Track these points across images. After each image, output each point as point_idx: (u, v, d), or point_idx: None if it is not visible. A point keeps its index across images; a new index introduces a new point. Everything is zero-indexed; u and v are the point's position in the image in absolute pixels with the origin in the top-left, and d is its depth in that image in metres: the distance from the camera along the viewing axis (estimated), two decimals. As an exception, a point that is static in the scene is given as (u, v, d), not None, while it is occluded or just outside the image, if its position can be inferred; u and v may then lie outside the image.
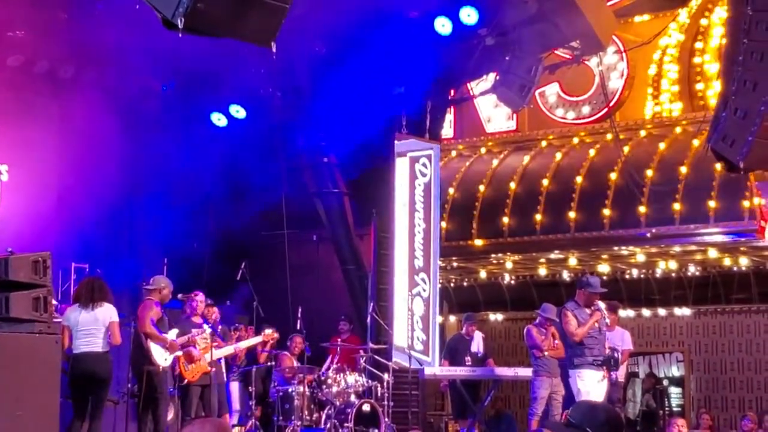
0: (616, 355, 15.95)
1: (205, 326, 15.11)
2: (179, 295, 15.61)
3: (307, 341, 17.63)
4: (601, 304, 15.28)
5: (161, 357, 14.26)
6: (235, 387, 17.29)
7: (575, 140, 21.67)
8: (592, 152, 20.81)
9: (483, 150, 22.86)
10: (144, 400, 14.25)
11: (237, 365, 17.19)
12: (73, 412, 13.31)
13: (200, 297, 15.45)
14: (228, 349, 15.74)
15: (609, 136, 20.79)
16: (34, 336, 11.23)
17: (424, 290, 19.20)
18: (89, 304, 13.18)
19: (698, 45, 21.83)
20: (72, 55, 17.19)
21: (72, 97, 16.85)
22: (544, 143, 22.03)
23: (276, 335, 16.80)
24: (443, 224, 20.75)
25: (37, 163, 16.26)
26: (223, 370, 16.35)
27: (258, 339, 16.52)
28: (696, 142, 18.50)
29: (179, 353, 14.62)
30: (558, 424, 5.52)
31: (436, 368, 18.58)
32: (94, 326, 13.09)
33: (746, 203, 18.51)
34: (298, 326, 17.55)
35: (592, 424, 5.23)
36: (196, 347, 14.89)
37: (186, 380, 14.88)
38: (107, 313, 13.29)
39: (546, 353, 16.64)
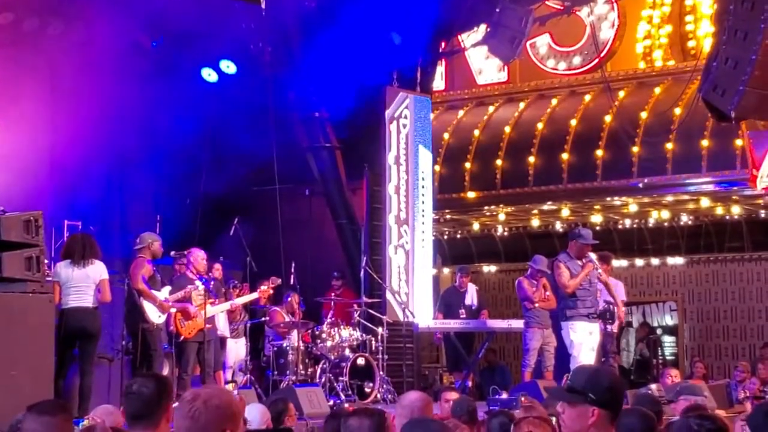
0: (612, 308, 16.03)
1: (198, 282, 15.08)
2: (172, 252, 15.59)
3: (301, 296, 17.65)
4: (593, 256, 15.32)
5: (155, 314, 14.27)
6: (229, 343, 17.30)
7: (567, 91, 21.65)
8: (584, 102, 20.80)
9: (475, 102, 22.84)
10: (139, 357, 14.27)
11: (231, 321, 17.21)
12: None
13: (201, 254, 15.40)
14: (224, 306, 15.74)
15: (592, 93, 20.79)
16: (27, 296, 11.26)
17: (407, 242, 19.28)
18: (81, 261, 13.12)
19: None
20: (61, 12, 17.08)
21: (62, 54, 16.75)
22: (535, 94, 22.01)
23: (271, 291, 16.79)
24: (436, 174, 20.75)
25: (27, 122, 16.17)
26: (219, 326, 16.38)
27: (254, 296, 16.53)
28: (679, 110, 18.48)
29: (173, 310, 14.63)
30: (560, 390, 5.49)
31: (429, 321, 18.64)
32: (84, 283, 13.04)
33: (738, 152, 18.53)
34: (292, 281, 17.55)
35: (595, 389, 5.19)
36: (193, 304, 14.89)
37: (182, 337, 14.89)
38: (98, 270, 13.24)
39: (537, 305, 16.69)
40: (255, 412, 8.43)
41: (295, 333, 16.59)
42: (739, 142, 18.50)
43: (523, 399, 12.84)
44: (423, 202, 19.65)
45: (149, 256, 14.50)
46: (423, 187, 19.69)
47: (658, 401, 8.28)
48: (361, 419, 5.48)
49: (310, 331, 16.89)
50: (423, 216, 19.64)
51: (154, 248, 14.58)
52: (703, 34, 20.77)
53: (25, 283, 11.26)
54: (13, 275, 11.20)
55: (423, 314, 18.81)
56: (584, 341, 14.88)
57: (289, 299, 17.53)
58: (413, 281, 19.20)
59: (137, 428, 4.91)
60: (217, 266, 16.69)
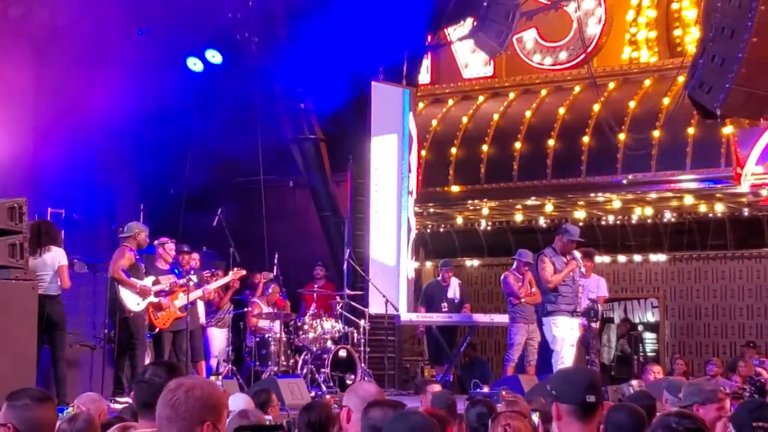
0: (596, 306, 16.07)
1: (171, 275, 15.05)
2: (155, 242, 15.57)
3: (284, 287, 17.64)
4: (577, 254, 15.34)
5: (133, 302, 14.23)
6: (214, 333, 17.30)
7: (552, 86, 21.66)
8: (569, 100, 20.82)
9: (460, 96, 22.83)
10: (121, 346, 14.25)
11: (216, 311, 17.20)
12: None
13: (170, 245, 15.39)
14: (197, 293, 15.67)
15: (578, 88, 20.81)
16: (10, 282, 11.22)
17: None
18: (36, 249, 12.94)
19: (676, -10, 21.84)
20: (47, 0, 17.03)
21: (47, 42, 16.69)
22: (520, 89, 22.02)
23: (243, 272, 16.72)
24: (419, 170, 20.77)
25: (12, 110, 16.12)
26: (200, 315, 16.37)
27: (226, 279, 16.48)
28: (667, 101, 18.48)
29: (154, 299, 14.58)
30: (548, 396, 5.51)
31: (412, 314, 18.65)
32: (43, 271, 12.88)
33: (722, 150, 18.56)
34: (275, 272, 17.55)
35: (553, 384, 5.21)
36: (165, 295, 14.85)
37: (157, 328, 14.87)
38: (55, 256, 13.11)
39: (523, 300, 16.72)
40: (240, 402, 8.40)
41: (277, 324, 16.61)
42: (723, 140, 18.54)
43: (504, 393, 12.87)
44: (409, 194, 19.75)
45: (134, 246, 14.46)
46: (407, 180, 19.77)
47: (651, 396, 8.27)
48: (385, 410, 5.45)
49: (292, 322, 16.88)
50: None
51: (140, 239, 14.55)
52: (690, 32, 20.81)
53: (8, 270, 11.22)
54: (-4, 262, 11.17)
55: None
56: (566, 336, 14.91)
57: (270, 290, 17.53)
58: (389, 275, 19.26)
59: (148, 416, 4.88)
60: (195, 256, 16.64)
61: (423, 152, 21.18)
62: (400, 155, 19.63)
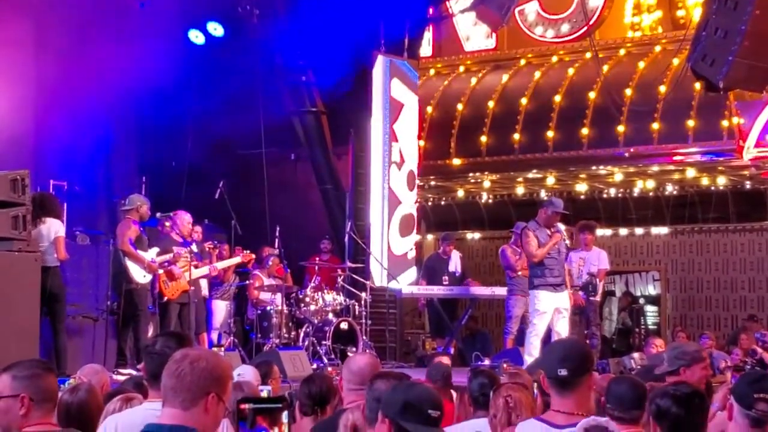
0: (594, 280, 16.07)
1: (193, 247, 15.12)
2: (158, 214, 15.57)
3: (285, 260, 17.66)
4: (561, 226, 15.26)
5: (140, 274, 14.27)
6: (218, 305, 17.34)
7: (554, 59, 21.61)
8: (571, 71, 20.77)
9: (462, 69, 22.79)
10: (124, 318, 14.28)
11: (221, 283, 17.24)
12: None
13: (187, 217, 15.40)
14: (203, 270, 15.70)
15: (588, 55, 20.74)
16: (14, 254, 11.26)
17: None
18: (33, 221, 12.90)
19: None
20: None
21: (48, 13, 16.65)
22: (523, 62, 21.97)
23: (253, 256, 16.81)
24: (421, 143, 20.76)
25: (11, 82, 16.09)
26: (203, 287, 16.40)
27: (236, 260, 16.53)
28: (676, 61, 18.44)
29: (160, 271, 14.62)
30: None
31: (413, 287, 18.68)
32: (39, 242, 12.87)
33: (725, 122, 18.55)
34: (276, 245, 17.57)
35: (547, 363, 5.23)
36: (177, 265, 14.90)
37: (166, 298, 14.90)
38: (51, 228, 13.09)
39: (520, 273, 16.72)
40: (247, 374, 8.45)
41: (278, 296, 16.66)
42: (726, 113, 18.51)
43: (505, 365, 12.90)
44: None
45: (136, 218, 14.48)
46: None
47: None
48: (389, 382, 5.46)
49: (293, 295, 16.91)
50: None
51: (142, 211, 14.56)
52: (693, 4, 20.75)
53: (12, 241, 11.24)
54: (-1, 234, 11.20)
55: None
56: (548, 310, 14.86)
57: (270, 263, 17.55)
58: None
59: (157, 386, 4.90)
60: (198, 229, 16.67)
61: (424, 125, 21.16)
62: (384, 126, 19.54)
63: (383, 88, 19.49)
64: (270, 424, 3.88)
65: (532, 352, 14.59)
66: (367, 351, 16.20)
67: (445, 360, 10.69)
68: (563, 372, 5.21)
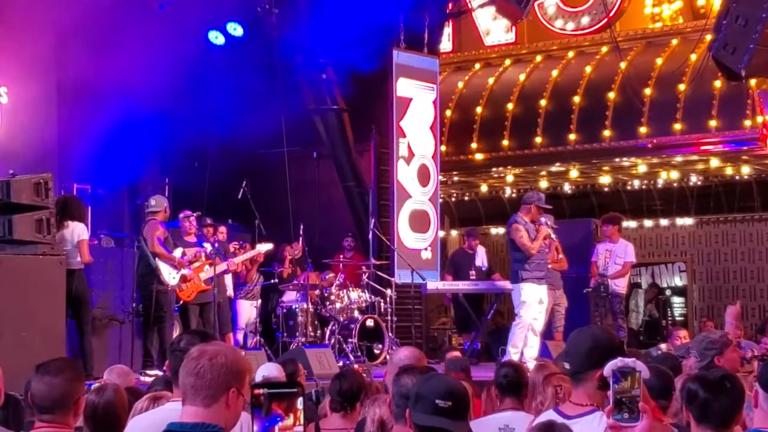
0: (606, 282, 16.03)
1: (198, 247, 15.11)
2: (180, 215, 15.60)
3: (309, 258, 17.65)
4: (544, 219, 15.18)
5: (170, 276, 14.31)
6: (243, 305, 17.35)
7: (575, 51, 21.54)
8: (591, 65, 20.70)
9: (482, 63, 22.75)
10: (149, 319, 14.30)
11: (245, 283, 17.26)
12: None
13: (192, 217, 15.42)
14: (221, 266, 15.70)
15: (604, 49, 20.70)
16: (38, 257, 11.29)
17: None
18: (57, 225, 12.89)
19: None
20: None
21: (68, 16, 16.69)
22: (539, 58, 21.91)
23: (269, 246, 16.76)
24: (443, 138, 20.74)
25: (36, 87, 16.16)
26: (228, 287, 16.41)
27: (253, 252, 16.49)
28: (693, 57, 18.35)
29: (186, 271, 14.63)
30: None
31: (438, 282, 18.65)
32: (63, 246, 12.86)
33: (748, 112, 18.45)
34: (300, 242, 17.57)
35: (578, 354, 5.20)
36: (190, 267, 14.88)
37: (182, 300, 14.90)
38: (76, 231, 13.11)
39: (549, 266, 16.69)
40: (273, 371, 8.46)
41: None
42: (749, 102, 18.42)
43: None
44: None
45: (162, 219, 14.51)
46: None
47: (676, 357, 8.27)
48: (416, 377, 5.45)
49: (318, 292, 16.90)
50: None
51: (167, 212, 14.61)
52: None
53: (36, 245, 11.28)
54: (23, 237, 11.23)
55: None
56: (533, 303, 14.83)
57: (285, 253, 17.59)
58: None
59: None
60: (222, 229, 16.69)
61: (446, 121, 21.13)
62: (391, 121, 19.48)
63: (391, 84, 19.49)
64: (285, 410, 3.85)
65: (517, 343, 14.60)
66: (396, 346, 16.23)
67: (456, 353, 10.69)
68: (566, 365, 5.21)
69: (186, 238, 15.26)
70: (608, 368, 3.89)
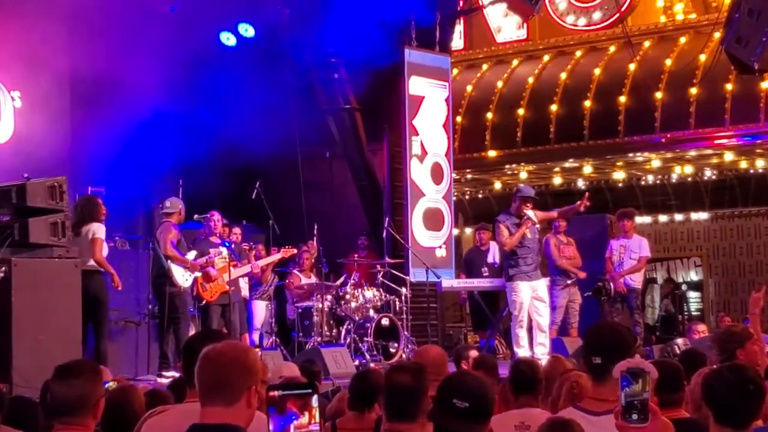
0: (606, 284, 16.01)
1: (222, 248, 15.12)
2: (195, 216, 15.59)
3: (324, 258, 17.65)
4: (530, 213, 15.13)
5: (182, 278, 14.30)
6: (258, 306, 17.38)
7: (587, 47, 21.51)
8: (603, 61, 20.67)
9: (494, 60, 22.73)
10: (165, 321, 14.31)
11: (260, 284, 17.28)
12: None
13: (216, 216, 15.43)
14: (245, 269, 15.74)
15: (614, 46, 20.66)
16: (54, 261, 11.31)
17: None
18: (74, 226, 12.91)
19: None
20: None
21: (79, 19, 16.73)
22: (554, 53, 21.88)
23: (294, 251, 16.86)
24: (456, 133, 20.72)
25: (49, 90, 16.20)
26: (242, 288, 16.43)
27: (277, 256, 16.53)
28: (704, 56, 18.30)
29: (198, 274, 14.64)
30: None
31: (453, 280, 18.64)
32: (80, 247, 12.86)
33: (761, 105, 18.40)
34: (315, 241, 17.57)
35: (587, 352, 5.18)
36: (214, 267, 14.92)
37: (205, 300, 14.92)
38: (90, 229, 13.12)
39: (563, 263, 16.69)
40: (292, 370, 8.48)
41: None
42: (762, 95, 18.37)
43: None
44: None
45: (176, 221, 14.51)
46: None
47: (700, 352, 8.23)
48: (404, 375, 5.44)
49: (334, 291, 16.91)
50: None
51: (182, 214, 14.61)
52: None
53: (51, 248, 11.30)
54: (39, 241, 11.25)
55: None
56: (525, 301, 14.79)
57: (304, 259, 17.59)
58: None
59: None
60: (237, 230, 16.71)
61: (459, 118, 21.13)
62: (404, 120, 19.46)
63: (403, 83, 19.46)
64: (300, 408, 3.86)
65: (521, 344, 14.60)
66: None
67: (474, 353, 10.66)
68: (597, 359, 5.17)
69: (211, 238, 15.27)
70: (617, 369, 3.88)
